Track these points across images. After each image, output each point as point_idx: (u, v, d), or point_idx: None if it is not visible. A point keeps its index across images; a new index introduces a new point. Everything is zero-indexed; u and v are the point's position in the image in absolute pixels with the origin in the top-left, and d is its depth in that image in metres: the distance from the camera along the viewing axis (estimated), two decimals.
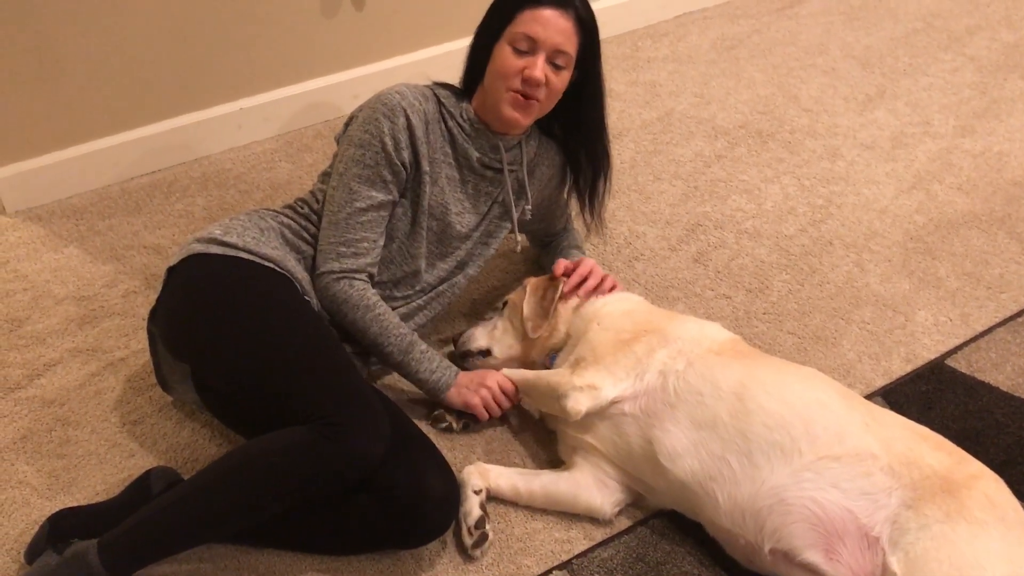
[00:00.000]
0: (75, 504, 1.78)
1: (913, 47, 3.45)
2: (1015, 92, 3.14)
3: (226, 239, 1.78)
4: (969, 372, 2.09)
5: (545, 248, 2.32)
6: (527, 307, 1.97)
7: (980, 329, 2.21)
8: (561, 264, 2.03)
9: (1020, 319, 2.24)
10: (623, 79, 3.28)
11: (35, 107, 2.58)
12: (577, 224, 2.30)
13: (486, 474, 1.80)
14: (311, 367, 1.64)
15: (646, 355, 1.75)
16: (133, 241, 2.51)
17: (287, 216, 1.92)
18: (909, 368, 2.10)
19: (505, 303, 2.07)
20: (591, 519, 1.80)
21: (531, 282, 2.02)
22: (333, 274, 1.83)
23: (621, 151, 2.88)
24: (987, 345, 2.16)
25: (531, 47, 1.83)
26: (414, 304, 1.97)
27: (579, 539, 1.77)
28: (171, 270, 1.80)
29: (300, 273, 1.83)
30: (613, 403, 1.73)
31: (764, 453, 1.58)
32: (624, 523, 1.79)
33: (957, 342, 2.17)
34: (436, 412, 1.95)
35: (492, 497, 1.81)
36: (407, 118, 1.83)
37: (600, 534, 1.78)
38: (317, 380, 1.62)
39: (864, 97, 3.15)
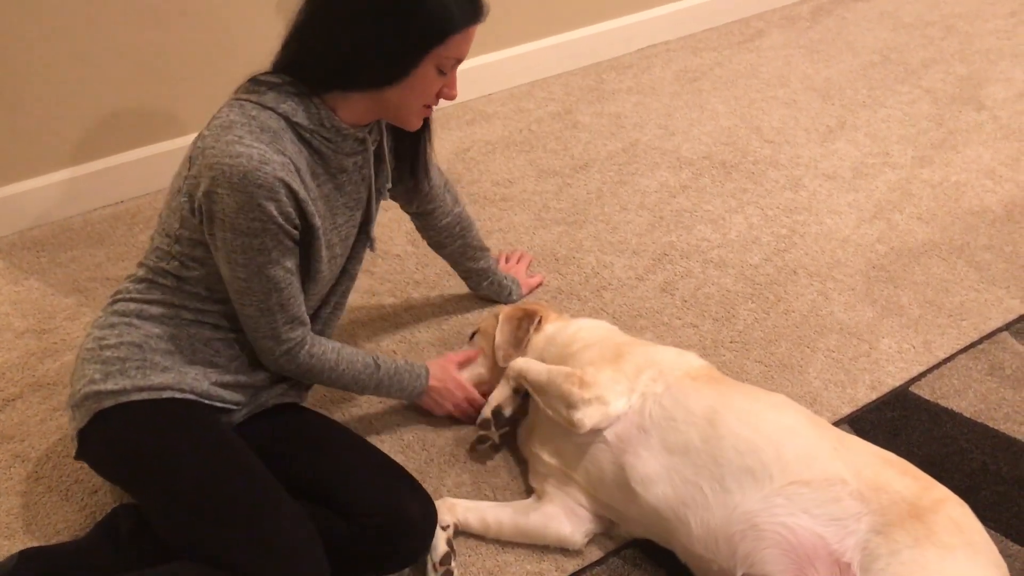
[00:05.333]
0: (35, 542, 1.74)
1: (871, 79, 3.53)
2: (970, 124, 3.22)
3: (109, 386, 1.63)
4: (933, 399, 2.12)
5: (442, 238, 2.23)
6: (499, 335, 1.97)
7: (943, 356, 2.24)
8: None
9: (981, 346, 2.27)
10: (588, 110, 3.32)
11: None
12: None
13: (453, 509, 1.79)
14: (226, 519, 1.56)
15: (634, 376, 1.75)
16: (96, 273, 2.48)
17: (162, 304, 1.71)
18: (875, 395, 2.13)
19: (475, 333, 2.07)
20: (562, 550, 1.78)
21: (504, 311, 2.02)
22: (290, 351, 1.73)
23: (587, 182, 2.91)
24: (950, 372, 2.19)
25: (454, 66, 1.68)
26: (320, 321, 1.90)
27: (551, 571, 1.76)
28: (81, 433, 1.67)
29: (195, 375, 1.69)
30: (615, 420, 1.73)
31: (736, 478, 1.58)
32: (596, 554, 1.79)
33: (921, 369, 2.20)
34: (478, 435, 1.93)
35: (461, 531, 1.80)
36: (287, 187, 1.58)
37: (572, 565, 1.76)
38: (233, 533, 1.55)
39: (825, 128, 3.21)
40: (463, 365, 2.03)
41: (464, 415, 2.02)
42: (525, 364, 1.87)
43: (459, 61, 1.67)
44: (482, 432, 1.92)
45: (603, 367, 1.77)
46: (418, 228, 2.24)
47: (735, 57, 3.71)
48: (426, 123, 1.86)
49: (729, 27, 3.97)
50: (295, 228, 1.63)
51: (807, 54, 3.73)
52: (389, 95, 1.65)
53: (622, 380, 1.75)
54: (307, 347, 1.74)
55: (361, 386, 1.85)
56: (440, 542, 1.72)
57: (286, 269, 1.65)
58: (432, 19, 1.58)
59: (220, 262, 1.64)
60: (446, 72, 1.66)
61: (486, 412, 1.91)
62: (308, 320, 1.75)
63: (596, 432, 1.74)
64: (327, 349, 1.78)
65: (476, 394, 2.00)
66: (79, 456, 1.69)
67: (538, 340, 1.97)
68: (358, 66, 1.61)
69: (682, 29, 3.88)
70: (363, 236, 1.89)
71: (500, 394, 1.92)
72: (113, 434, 1.64)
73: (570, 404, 1.73)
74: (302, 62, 1.63)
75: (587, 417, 1.71)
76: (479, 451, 1.98)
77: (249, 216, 1.56)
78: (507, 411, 1.91)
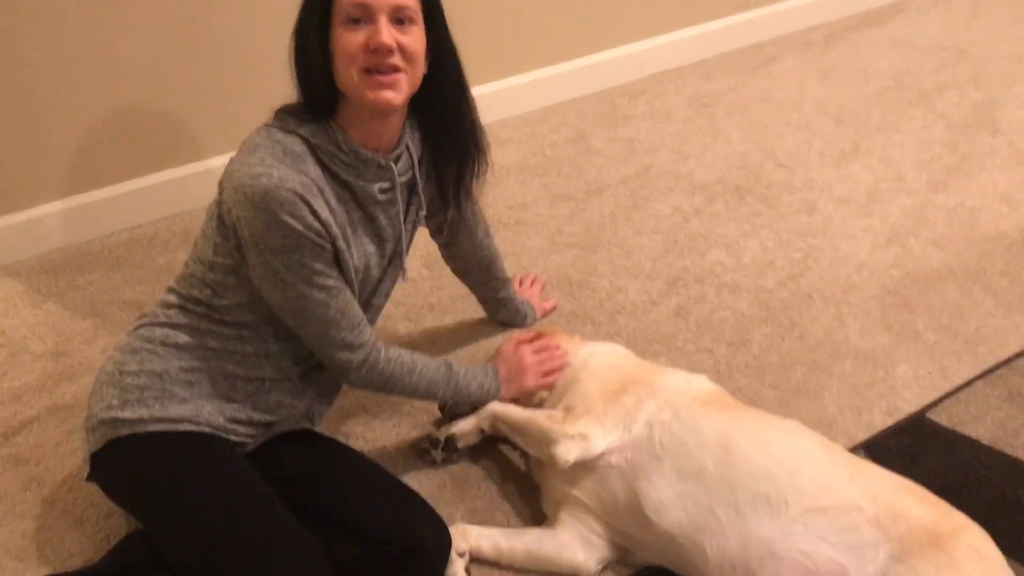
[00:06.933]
0: (49, 568, 1.74)
1: (885, 104, 3.53)
2: (984, 149, 3.21)
3: (126, 414, 1.63)
4: (950, 425, 2.10)
5: (468, 267, 2.24)
6: None
7: (959, 382, 2.22)
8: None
9: (998, 372, 2.25)
10: (602, 135, 3.33)
11: (15, 162, 2.57)
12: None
13: (467, 535, 1.78)
14: (238, 554, 1.54)
15: (635, 406, 1.75)
16: (113, 296, 2.49)
17: (189, 332, 1.71)
18: (891, 421, 2.11)
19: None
20: None
21: (517, 336, 2.03)
22: (368, 357, 1.72)
23: (601, 206, 2.91)
24: (967, 398, 2.18)
25: (366, 14, 1.56)
26: None
27: None
28: (94, 456, 1.67)
29: (211, 410, 1.69)
30: (602, 455, 1.73)
31: (751, 504, 1.58)
32: None
33: (937, 395, 2.19)
34: (422, 445, 1.96)
35: (474, 558, 1.79)
36: (308, 204, 1.57)
37: None
38: (245, 569, 1.54)
39: (839, 152, 3.21)
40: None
41: (550, 371, 1.95)
42: (501, 407, 1.90)
43: (364, 6, 1.56)
44: (427, 447, 1.96)
45: (595, 403, 1.78)
46: (443, 256, 2.25)
47: (748, 82, 3.72)
48: (465, 155, 1.84)
49: (742, 52, 3.98)
50: (325, 240, 1.63)
51: (820, 79, 3.74)
52: (341, 87, 1.62)
53: (615, 415, 1.75)
54: (383, 351, 1.74)
55: (438, 389, 1.82)
56: (459, 570, 1.71)
57: (334, 277, 1.66)
58: None
59: (269, 289, 1.64)
60: (359, 21, 1.57)
61: (441, 434, 1.94)
62: (371, 328, 1.76)
63: (593, 461, 1.74)
64: (401, 352, 1.78)
65: (544, 343, 1.99)
66: (91, 478, 1.70)
67: None
68: (309, 73, 1.62)
69: (695, 55, 3.90)
70: (392, 269, 1.89)
71: (464, 425, 1.94)
72: (127, 463, 1.64)
73: (551, 440, 1.74)
74: (302, 88, 1.66)
75: (568, 452, 1.72)
76: (421, 461, 1.99)
77: (279, 234, 1.56)
78: (460, 443, 1.94)
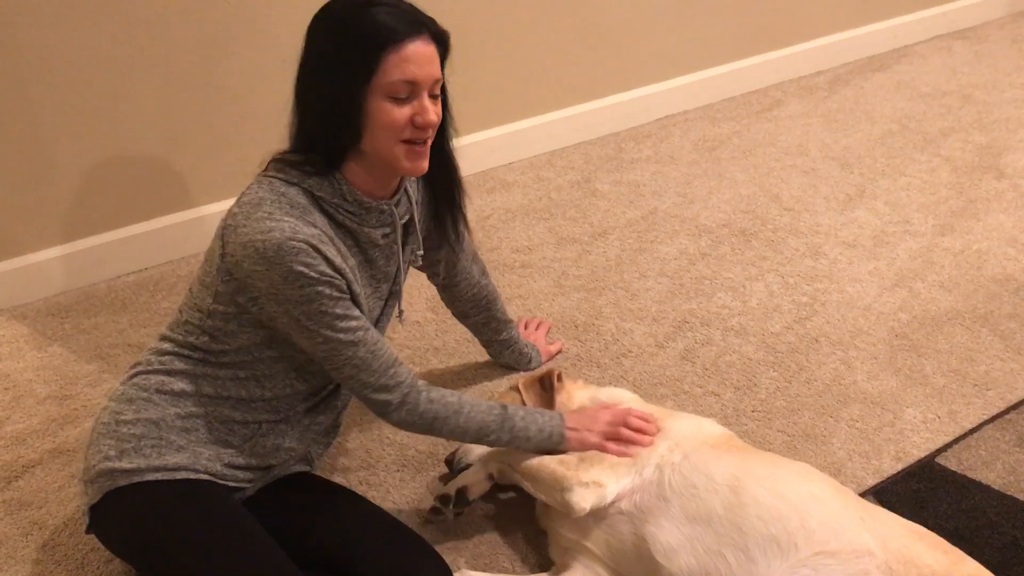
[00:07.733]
0: None
1: (890, 148, 3.54)
2: (990, 192, 3.22)
3: (124, 465, 1.62)
4: (960, 470, 2.08)
5: (467, 309, 2.24)
6: (529, 402, 1.96)
7: (969, 426, 2.20)
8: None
9: (1008, 416, 2.23)
10: (607, 179, 3.34)
11: (23, 205, 2.59)
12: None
13: None
14: None
15: (647, 450, 1.73)
16: (118, 339, 2.49)
17: (184, 378, 1.70)
18: (900, 466, 2.09)
19: None
20: None
21: (522, 380, 2.02)
22: (406, 398, 1.70)
23: (606, 249, 2.92)
24: (976, 443, 2.16)
25: (412, 91, 1.59)
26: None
27: None
28: (93, 509, 1.66)
29: (209, 456, 1.68)
30: (615, 501, 1.71)
31: (760, 547, 1.55)
32: None
33: (947, 440, 2.16)
34: (432, 505, 1.92)
35: None
36: (321, 254, 1.59)
37: None
38: None
39: (844, 196, 3.21)
40: None
41: (620, 436, 1.78)
42: (510, 452, 1.86)
43: (413, 83, 1.59)
44: (437, 505, 1.90)
45: (602, 458, 1.75)
46: (443, 299, 2.24)
47: (753, 126, 3.74)
48: (457, 196, 1.88)
49: (747, 97, 4.01)
50: (342, 282, 1.63)
51: (825, 123, 3.76)
52: (367, 148, 1.64)
53: (622, 465, 1.73)
54: (424, 392, 1.72)
55: (491, 431, 1.76)
56: None
57: (356, 318, 1.65)
58: (356, 54, 1.57)
59: (298, 338, 1.64)
60: (404, 98, 1.60)
61: (450, 489, 1.89)
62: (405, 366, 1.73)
63: (604, 508, 1.71)
64: (445, 393, 1.74)
65: (649, 417, 1.82)
66: (90, 530, 1.68)
67: (560, 407, 1.95)
68: (329, 131, 1.63)
69: (700, 99, 3.93)
70: (388, 309, 1.89)
71: (471, 476, 1.90)
72: (125, 514, 1.62)
73: (564, 488, 1.71)
74: (306, 140, 1.67)
75: (584, 500, 1.69)
76: (433, 522, 1.93)
77: (295, 284, 1.57)
78: (471, 495, 1.88)
